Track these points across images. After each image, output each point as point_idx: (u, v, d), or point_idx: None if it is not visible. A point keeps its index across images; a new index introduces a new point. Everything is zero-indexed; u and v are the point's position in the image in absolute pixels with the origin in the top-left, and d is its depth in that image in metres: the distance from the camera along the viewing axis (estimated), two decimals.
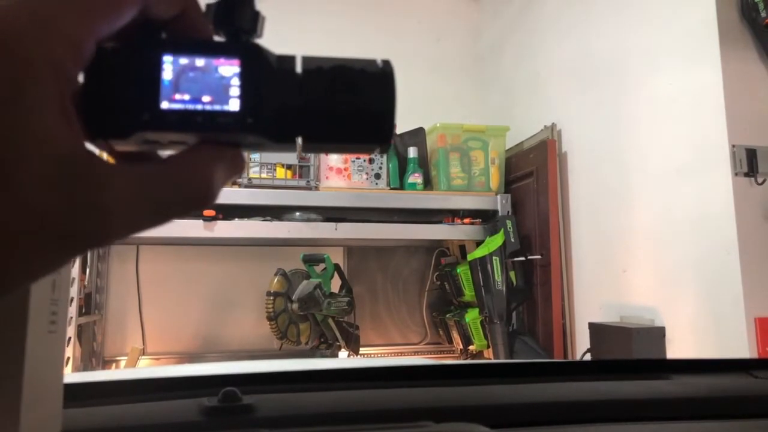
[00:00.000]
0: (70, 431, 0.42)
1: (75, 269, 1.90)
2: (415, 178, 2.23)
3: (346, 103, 0.25)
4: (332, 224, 2.08)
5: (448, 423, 0.37)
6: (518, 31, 2.60)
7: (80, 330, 2.12)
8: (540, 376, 0.59)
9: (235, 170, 0.25)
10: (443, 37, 2.98)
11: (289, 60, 0.25)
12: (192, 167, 0.23)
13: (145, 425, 0.45)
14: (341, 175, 2.16)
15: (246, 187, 2.03)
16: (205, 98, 0.23)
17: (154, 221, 0.22)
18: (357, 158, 2.18)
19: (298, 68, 0.25)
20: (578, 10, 2.08)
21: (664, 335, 1.56)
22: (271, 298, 2.02)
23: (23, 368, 0.26)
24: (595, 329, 1.71)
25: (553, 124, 2.16)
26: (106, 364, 2.30)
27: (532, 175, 2.18)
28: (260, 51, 0.25)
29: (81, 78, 0.23)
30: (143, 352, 2.32)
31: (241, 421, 0.45)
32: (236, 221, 2.02)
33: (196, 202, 0.23)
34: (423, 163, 2.29)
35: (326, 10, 2.80)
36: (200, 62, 0.24)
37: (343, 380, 0.55)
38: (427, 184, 2.30)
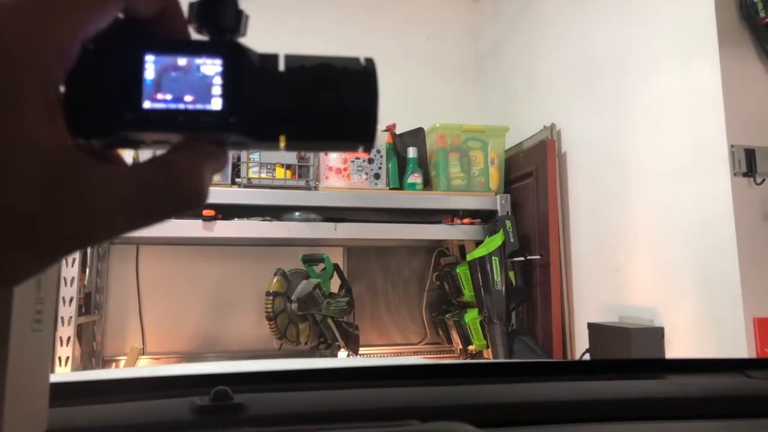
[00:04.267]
0: (60, 430, 0.42)
1: (74, 269, 1.90)
2: (415, 178, 2.23)
3: (328, 102, 0.25)
4: (332, 224, 2.08)
5: (433, 422, 0.37)
6: (518, 32, 2.59)
7: (80, 330, 2.12)
8: (533, 375, 0.59)
9: (220, 167, 0.24)
10: (442, 38, 2.98)
11: (272, 58, 0.25)
12: (181, 167, 0.23)
13: (137, 424, 0.45)
14: (341, 175, 2.16)
15: (245, 187, 2.03)
16: (188, 98, 0.23)
17: (143, 223, 0.22)
18: (356, 158, 2.17)
19: (281, 67, 0.25)
20: (578, 10, 2.08)
21: (662, 335, 1.55)
22: (271, 298, 2.02)
23: (6, 366, 0.26)
24: (594, 329, 1.71)
25: (552, 124, 2.16)
26: (105, 363, 2.30)
27: (532, 176, 2.18)
28: (242, 50, 0.25)
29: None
30: (143, 352, 2.33)
31: (231, 420, 0.45)
32: (236, 221, 2.02)
33: (187, 202, 0.22)
34: (422, 164, 2.29)
35: (327, 11, 2.80)
36: (182, 61, 0.24)
37: (335, 379, 0.55)
38: (427, 184, 2.30)
